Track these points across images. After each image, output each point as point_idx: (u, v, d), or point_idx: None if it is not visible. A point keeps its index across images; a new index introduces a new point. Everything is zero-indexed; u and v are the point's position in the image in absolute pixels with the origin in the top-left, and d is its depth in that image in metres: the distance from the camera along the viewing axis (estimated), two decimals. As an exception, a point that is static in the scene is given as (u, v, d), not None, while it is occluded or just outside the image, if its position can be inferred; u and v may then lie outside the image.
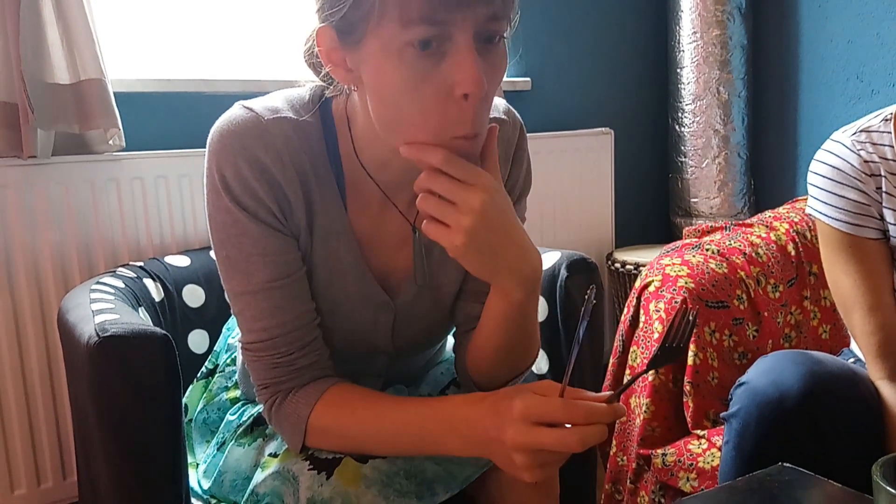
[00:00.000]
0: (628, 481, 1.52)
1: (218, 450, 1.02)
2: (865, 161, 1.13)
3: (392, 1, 0.69)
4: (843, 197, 1.14)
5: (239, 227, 0.83)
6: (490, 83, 0.74)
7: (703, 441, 1.38)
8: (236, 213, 0.83)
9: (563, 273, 1.27)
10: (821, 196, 1.17)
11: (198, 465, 1.07)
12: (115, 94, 1.54)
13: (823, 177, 1.17)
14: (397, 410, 0.83)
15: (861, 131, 1.15)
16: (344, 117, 0.87)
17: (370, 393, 0.87)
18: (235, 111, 0.85)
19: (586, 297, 0.68)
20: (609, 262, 2.28)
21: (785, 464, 0.88)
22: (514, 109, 0.99)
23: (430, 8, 0.69)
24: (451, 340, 1.15)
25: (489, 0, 0.71)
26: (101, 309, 1.03)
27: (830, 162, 1.16)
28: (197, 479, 1.05)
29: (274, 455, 0.92)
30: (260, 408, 1.00)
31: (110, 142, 1.57)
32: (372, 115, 0.79)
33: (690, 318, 0.69)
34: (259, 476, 0.90)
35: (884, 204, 1.12)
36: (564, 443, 0.68)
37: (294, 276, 0.86)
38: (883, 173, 1.12)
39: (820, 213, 1.17)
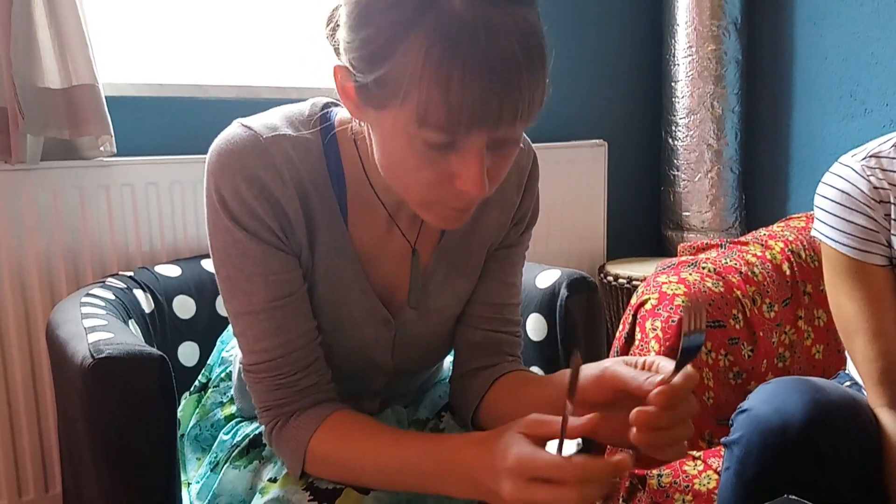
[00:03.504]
0: (621, 500, 1.51)
1: (212, 470, 1.00)
2: (875, 187, 1.12)
3: (413, 102, 0.67)
4: (851, 222, 1.13)
5: (239, 247, 0.82)
6: (494, 178, 0.74)
7: (698, 462, 1.37)
8: (236, 232, 0.81)
9: (564, 292, 1.26)
10: (828, 220, 1.16)
11: (189, 483, 1.05)
12: (105, 97, 1.51)
13: (831, 200, 1.16)
14: (397, 446, 0.81)
15: (871, 156, 1.14)
16: (348, 132, 0.86)
17: (370, 425, 0.85)
18: (233, 130, 0.83)
19: (572, 360, 0.65)
20: (601, 276, 2.27)
21: (790, 496, 0.87)
22: (527, 138, 0.97)
23: (449, 123, 0.67)
24: (448, 358, 1.13)
25: (511, 124, 0.69)
26: (93, 326, 1.00)
27: (839, 186, 1.15)
28: (189, 500, 1.02)
29: (273, 480, 0.90)
30: (255, 427, 0.99)
31: (101, 148, 1.54)
32: (375, 158, 0.78)
33: (690, 305, 0.68)
34: (258, 502, 0.88)
35: (892, 231, 1.12)
36: (562, 500, 0.65)
37: (296, 294, 0.85)
38: (892, 200, 1.11)
39: (826, 236, 1.17)
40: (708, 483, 1.32)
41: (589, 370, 0.79)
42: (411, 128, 0.69)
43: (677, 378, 0.68)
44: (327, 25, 0.80)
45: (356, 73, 0.71)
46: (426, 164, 0.71)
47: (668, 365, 0.72)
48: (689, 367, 0.68)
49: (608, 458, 0.65)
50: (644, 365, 0.75)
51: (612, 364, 0.76)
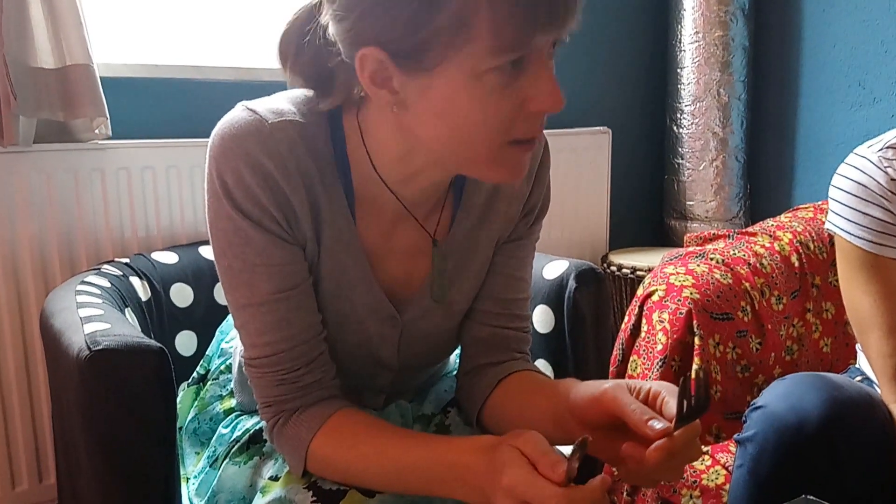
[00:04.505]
0: (625, 493, 1.49)
1: (210, 466, 0.97)
2: (892, 179, 1.09)
3: (483, 32, 0.65)
4: (867, 214, 1.11)
5: (241, 236, 0.79)
6: None
7: (706, 457, 1.35)
8: (239, 221, 0.78)
9: (572, 284, 1.23)
10: (843, 212, 1.14)
11: (188, 479, 1.03)
12: (100, 78, 1.46)
13: (847, 192, 1.13)
14: (401, 449, 0.78)
15: (888, 147, 1.11)
16: (355, 125, 0.82)
17: (374, 426, 0.83)
18: (237, 113, 0.80)
19: (579, 442, 0.64)
20: (604, 265, 2.24)
21: (809, 496, 0.85)
22: None
23: (525, 34, 0.66)
24: (456, 351, 1.10)
25: (573, 18, 0.69)
26: (89, 316, 0.97)
27: (855, 177, 1.13)
28: (188, 496, 0.99)
29: (274, 478, 0.88)
30: (255, 422, 0.96)
31: (96, 131, 1.50)
32: (422, 134, 0.75)
33: (701, 375, 0.67)
34: (259, 501, 0.85)
35: None
36: None
37: (300, 287, 0.82)
38: None
39: (841, 229, 1.14)
40: (716, 479, 1.30)
41: (587, 389, 0.77)
42: (483, 63, 0.67)
43: (679, 432, 0.66)
44: (335, 23, 0.73)
45: (395, 38, 0.68)
46: (497, 101, 0.69)
47: (672, 402, 0.70)
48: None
49: (592, 485, 0.64)
50: (648, 395, 0.73)
51: (613, 388, 0.74)
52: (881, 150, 1.12)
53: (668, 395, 0.71)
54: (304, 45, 0.78)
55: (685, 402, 0.66)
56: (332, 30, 0.73)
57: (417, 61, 0.69)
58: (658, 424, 0.68)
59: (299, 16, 0.79)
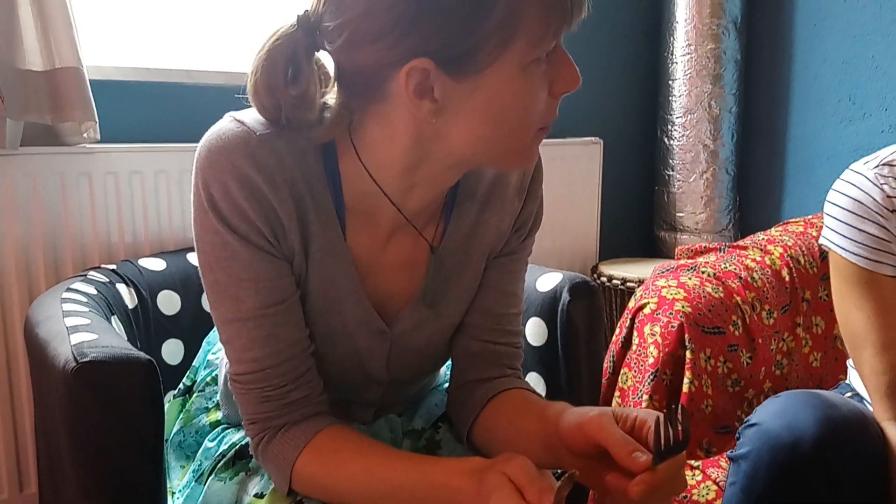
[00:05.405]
0: (614, 507, 1.48)
1: (196, 480, 0.95)
2: (888, 196, 1.09)
3: (530, 25, 0.69)
4: (863, 231, 1.11)
5: (228, 251, 0.77)
6: None
7: (697, 472, 1.35)
8: (225, 234, 0.77)
9: (566, 296, 1.22)
10: (838, 228, 1.14)
11: (173, 493, 1.01)
12: (90, 81, 1.44)
13: (843, 209, 1.13)
14: (388, 469, 0.77)
15: (884, 164, 1.11)
16: (347, 143, 0.80)
17: (361, 444, 0.81)
18: (225, 124, 0.78)
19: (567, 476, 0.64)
20: (594, 276, 2.24)
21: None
22: None
23: (562, 22, 0.70)
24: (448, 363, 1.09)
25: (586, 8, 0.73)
26: (76, 325, 0.95)
27: (851, 194, 1.12)
28: (173, 511, 0.98)
29: (259, 496, 0.86)
30: (242, 436, 0.95)
31: (85, 134, 1.47)
32: (457, 137, 0.74)
33: (679, 416, 0.67)
34: (244, 518, 0.84)
35: None
36: None
37: (287, 301, 0.81)
38: None
39: (836, 245, 1.14)
40: (707, 494, 1.30)
41: (574, 416, 0.77)
42: (527, 56, 0.70)
43: (662, 466, 0.67)
44: (364, 46, 0.71)
45: (443, 47, 0.68)
46: (539, 89, 0.73)
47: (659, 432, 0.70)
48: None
49: None
50: (635, 424, 0.73)
51: (599, 416, 0.74)
52: (877, 166, 1.12)
53: (655, 425, 0.71)
54: (296, 76, 0.75)
55: (663, 438, 0.66)
56: (351, 56, 0.72)
57: (467, 64, 0.69)
58: (642, 457, 0.68)
59: (280, 43, 0.75)
